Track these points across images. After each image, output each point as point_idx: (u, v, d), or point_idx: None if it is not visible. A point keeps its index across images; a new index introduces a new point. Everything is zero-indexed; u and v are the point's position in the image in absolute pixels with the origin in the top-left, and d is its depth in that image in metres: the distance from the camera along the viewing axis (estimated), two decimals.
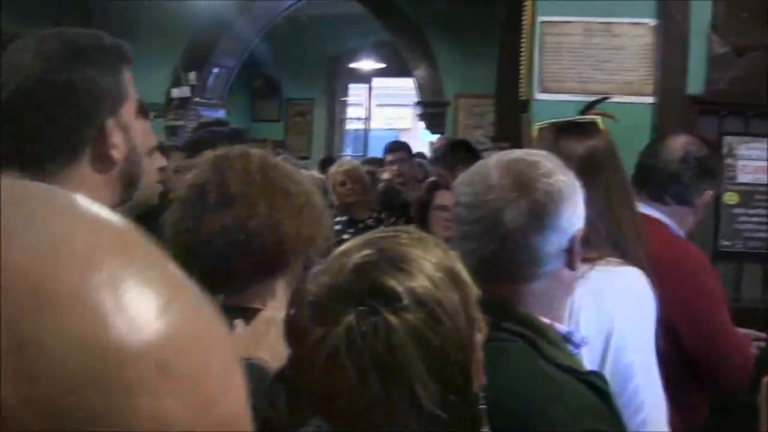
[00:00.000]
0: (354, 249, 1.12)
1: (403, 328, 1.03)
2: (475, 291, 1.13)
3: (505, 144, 3.99)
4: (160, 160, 2.47)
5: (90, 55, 1.44)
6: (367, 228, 4.74)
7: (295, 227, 1.66)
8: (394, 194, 5.42)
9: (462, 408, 1.07)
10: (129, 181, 1.53)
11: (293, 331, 1.14)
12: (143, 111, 2.42)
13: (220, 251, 1.64)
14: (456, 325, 1.06)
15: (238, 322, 1.63)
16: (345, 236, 4.49)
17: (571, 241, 1.48)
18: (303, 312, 1.11)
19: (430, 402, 1.03)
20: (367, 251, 1.10)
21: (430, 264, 1.08)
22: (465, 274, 1.12)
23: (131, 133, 1.50)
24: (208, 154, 1.78)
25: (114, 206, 1.47)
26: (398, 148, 5.98)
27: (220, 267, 1.66)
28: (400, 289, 1.04)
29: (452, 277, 1.09)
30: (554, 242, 1.47)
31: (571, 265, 1.50)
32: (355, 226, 4.69)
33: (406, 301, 1.04)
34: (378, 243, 1.12)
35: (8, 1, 6.55)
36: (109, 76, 1.45)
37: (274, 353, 1.56)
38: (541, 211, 1.46)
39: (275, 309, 1.67)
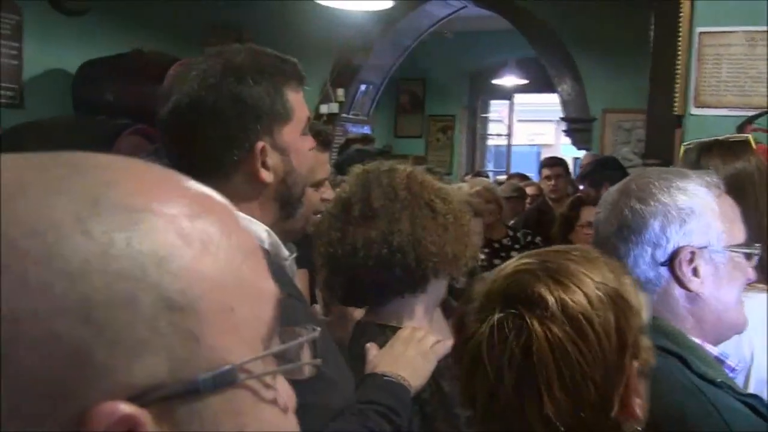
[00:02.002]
0: (521, 257, 1.15)
1: (545, 336, 1.03)
2: (641, 319, 1.10)
3: (655, 161, 3.85)
4: (328, 192, 2.35)
5: (244, 74, 1.42)
6: (503, 247, 4.67)
7: (438, 245, 1.64)
8: (547, 210, 5.33)
9: (595, 428, 1.05)
10: (285, 204, 1.48)
11: (459, 328, 1.16)
12: (325, 142, 2.41)
13: (362, 264, 1.64)
14: (603, 345, 1.05)
15: (371, 345, 1.62)
16: (480, 256, 4.43)
17: (673, 256, 1.44)
18: (467, 311, 1.13)
19: (556, 414, 1.02)
20: (529, 260, 1.12)
21: (591, 282, 1.08)
22: (634, 301, 1.10)
23: (291, 155, 1.46)
24: (357, 169, 1.79)
25: (270, 226, 1.47)
26: (555, 163, 5.87)
27: (363, 279, 1.66)
28: (550, 298, 1.05)
29: (615, 299, 1.07)
30: (645, 254, 1.44)
31: (679, 282, 1.45)
32: (491, 245, 4.63)
33: (553, 311, 1.04)
34: (544, 255, 1.14)
35: (161, 21, 6.86)
36: (265, 96, 1.42)
37: (413, 371, 1.55)
38: (626, 222, 1.46)
39: (413, 329, 1.65)
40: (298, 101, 1.49)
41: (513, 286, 1.08)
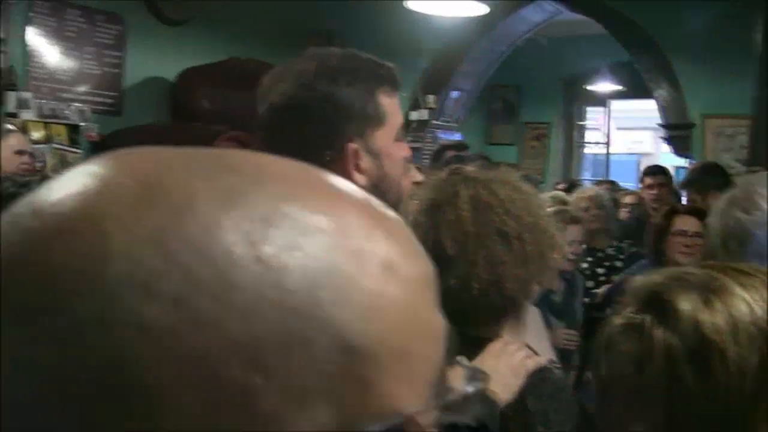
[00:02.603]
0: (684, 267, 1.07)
1: (665, 352, 0.93)
2: None
3: (760, 168, 3.69)
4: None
5: (338, 75, 1.41)
6: (607, 257, 4.56)
7: (521, 276, 1.57)
8: (647, 219, 5.18)
9: None
10: None
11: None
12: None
13: (444, 309, 1.58)
14: (729, 382, 0.91)
15: (461, 359, 1.57)
16: (583, 265, 4.34)
17: None
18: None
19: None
20: (694, 270, 1.01)
21: (748, 310, 0.93)
22: None
23: (384, 159, 1.44)
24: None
25: None
26: (657, 171, 5.71)
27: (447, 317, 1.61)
28: (684, 312, 0.94)
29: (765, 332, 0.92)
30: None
31: None
32: (594, 254, 4.52)
33: (684, 327, 0.93)
34: (717, 267, 1.02)
35: (256, 30, 6.96)
36: (358, 98, 1.41)
37: (504, 386, 1.50)
38: (731, 233, 1.41)
39: (505, 342, 1.60)
40: (392, 106, 1.46)
41: (653, 290, 0.99)
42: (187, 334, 0.33)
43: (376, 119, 1.43)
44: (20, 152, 4.42)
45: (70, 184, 0.38)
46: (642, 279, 1.05)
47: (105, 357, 0.33)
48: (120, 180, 0.37)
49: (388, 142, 1.45)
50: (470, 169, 1.68)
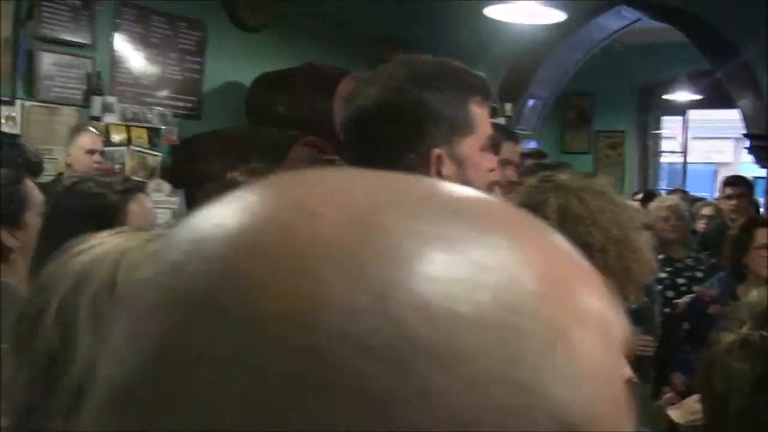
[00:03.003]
0: None
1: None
2: None
3: None
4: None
5: (428, 80, 1.40)
6: (687, 267, 4.47)
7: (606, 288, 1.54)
8: (725, 230, 5.06)
9: None
10: None
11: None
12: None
13: None
14: None
15: None
16: (662, 275, 4.27)
17: None
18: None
19: None
20: None
21: None
22: None
23: (468, 168, 1.42)
24: (531, 181, 1.72)
25: None
26: (738, 182, 5.58)
27: None
28: None
29: None
30: None
31: None
32: (673, 265, 4.43)
33: None
34: None
35: (332, 36, 7.01)
36: (447, 104, 1.40)
37: None
38: None
39: None
40: (482, 116, 1.45)
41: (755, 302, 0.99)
42: (410, 404, 0.29)
43: (465, 127, 1.42)
44: (91, 151, 4.54)
45: (253, 208, 0.33)
46: (754, 296, 1.04)
47: (319, 423, 0.29)
48: (323, 210, 0.32)
49: (475, 151, 1.44)
50: (563, 177, 1.66)
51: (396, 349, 0.29)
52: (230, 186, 0.38)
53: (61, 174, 4.60)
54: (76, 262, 1.07)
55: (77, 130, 4.77)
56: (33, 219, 2.31)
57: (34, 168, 3.25)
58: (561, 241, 0.36)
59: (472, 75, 1.47)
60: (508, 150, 3.03)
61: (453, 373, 0.29)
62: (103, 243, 1.09)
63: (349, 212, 0.32)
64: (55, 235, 1.92)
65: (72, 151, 4.56)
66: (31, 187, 2.45)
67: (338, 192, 0.34)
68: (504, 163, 2.97)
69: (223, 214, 0.33)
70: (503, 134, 3.14)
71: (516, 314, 0.31)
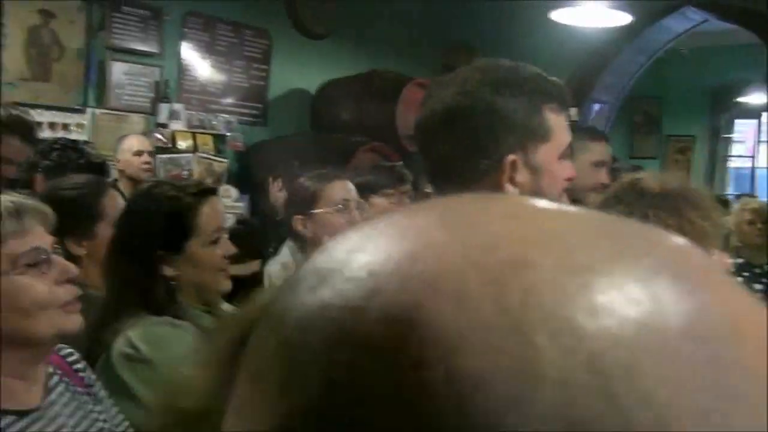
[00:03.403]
0: None
1: None
2: None
3: None
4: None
5: (503, 85, 1.38)
6: (764, 273, 4.34)
7: None
8: None
9: None
10: None
11: None
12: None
13: None
14: None
15: None
16: (738, 279, 4.15)
17: None
18: None
19: None
20: None
21: None
22: None
23: (543, 176, 1.40)
24: (617, 185, 1.69)
25: None
26: None
27: None
28: None
29: None
30: None
31: None
32: (751, 270, 4.32)
33: None
34: None
35: (397, 43, 7.01)
36: (522, 110, 1.37)
37: None
38: None
39: None
40: (559, 123, 1.42)
41: None
42: None
43: (540, 134, 1.39)
44: (139, 152, 4.60)
45: (444, 246, 0.28)
46: None
47: None
48: (535, 260, 0.27)
49: (551, 159, 1.41)
50: (650, 181, 1.61)
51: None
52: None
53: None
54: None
55: (124, 135, 4.84)
56: (104, 229, 2.35)
57: (97, 169, 3.30)
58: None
59: (548, 81, 1.43)
60: (600, 151, 2.98)
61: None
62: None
63: (565, 265, 0.27)
64: (132, 238, 1.96)
65: (120, 156, 4.61)
66: (111, 197, 2.49)
67: (552, 237, 0.28)
68: (598, 165, 2.93)
69: (403, 250, 0.28)
70: (594, 135, 3.09)
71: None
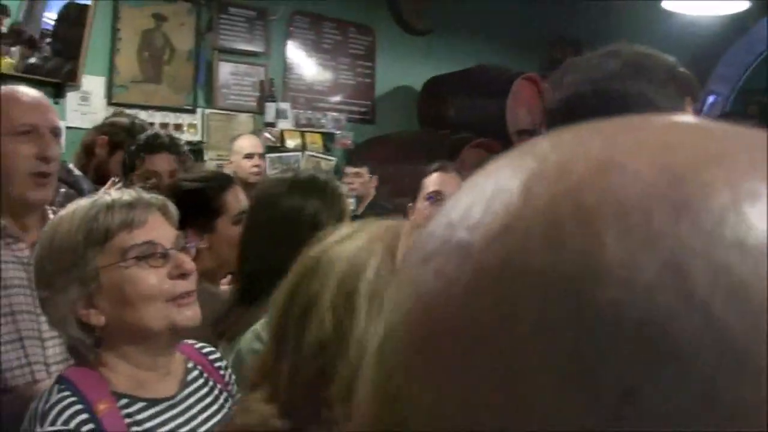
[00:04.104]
0: None
1: None
2: None
3: None
4: None
5: (650, 73, 1.38)
6: None
7: None
8: None
9: None
10: None
11: None
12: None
13: None
14: None
15: None
16: None
17: None
18: None
19: None
20: None
21: None
22: None
23: None
24: None
25: None
26: None
27: None
28: None
29: None
30: None
31: None
32: None
33: None
34: None
35: (503, 37, 6.92)
36: (666, 99, 1.36)
37: None
38: None
39: None
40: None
41: None
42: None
43: None
44: (249, 155, 4.62)
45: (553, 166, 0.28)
46: None
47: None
48: (629, 164, 0.26)
49: None
50: None
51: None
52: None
53: None
54: (341, 250, 1.07)
55: (237, 136, 4.89)
56: (225, 224, 2.37)
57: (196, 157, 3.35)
58: None
59: (685, 72, 1.44)
60: None
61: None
62: (359, 230, 1.11)
63: (662, 167, 0.26)
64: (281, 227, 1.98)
65: (233, 158, 4.67)
66: (234, 192, 2.49)
67: (648, 144, 0.28)
68: None
69: (511, 175, 0.29)
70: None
71: None
